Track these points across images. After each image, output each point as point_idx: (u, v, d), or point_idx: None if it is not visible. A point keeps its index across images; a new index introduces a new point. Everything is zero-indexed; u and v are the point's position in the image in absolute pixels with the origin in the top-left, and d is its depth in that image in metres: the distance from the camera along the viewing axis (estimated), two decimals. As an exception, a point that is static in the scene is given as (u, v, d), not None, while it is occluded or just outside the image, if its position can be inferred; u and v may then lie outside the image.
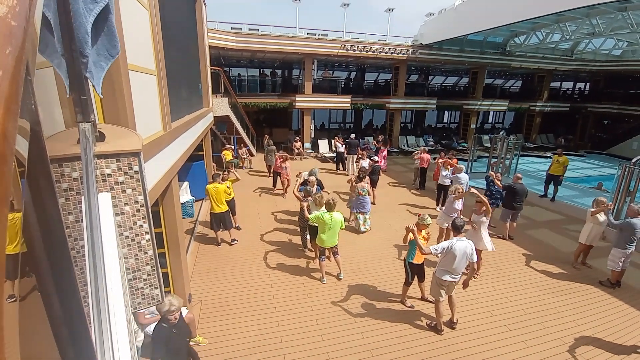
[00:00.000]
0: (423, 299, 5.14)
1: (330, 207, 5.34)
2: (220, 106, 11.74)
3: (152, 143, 3.10)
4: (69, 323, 0.89)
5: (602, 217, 5.99)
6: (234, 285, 5.47)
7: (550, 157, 10.15)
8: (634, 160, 7.62)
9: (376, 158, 10.43)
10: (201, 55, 8.39)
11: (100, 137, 1.69)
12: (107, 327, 1.00)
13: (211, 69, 10.18)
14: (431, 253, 4.24)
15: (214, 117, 10.78)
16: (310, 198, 6.19)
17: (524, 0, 11.61)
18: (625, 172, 7.53)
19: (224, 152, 12.61)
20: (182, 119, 5.17)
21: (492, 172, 7.94)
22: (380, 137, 15.68)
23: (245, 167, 13.74)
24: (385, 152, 14.02)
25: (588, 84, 25.74)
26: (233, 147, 13.76)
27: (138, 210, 1.80)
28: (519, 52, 18.38)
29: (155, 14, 3.43)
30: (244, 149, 13.89)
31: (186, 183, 8.35)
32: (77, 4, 1.20)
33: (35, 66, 0.79)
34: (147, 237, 1.86)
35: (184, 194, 7.95)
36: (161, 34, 3.64)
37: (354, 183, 7.64)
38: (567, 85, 27.18)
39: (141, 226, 1.83)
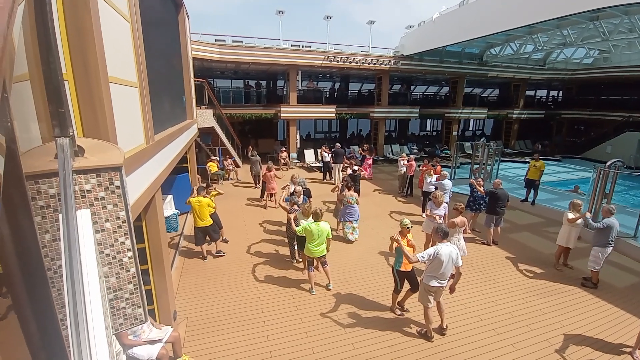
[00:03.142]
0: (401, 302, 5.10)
1: (317, 217, 5.32)
2: (205, 118, 11.64)
3: (134, 156, 3.02)
4: (47, 347, 0.84)
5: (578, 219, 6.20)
6: (221, 300, 5.34)
7: (528, 162, 10.50)
8: (608, 163, 7.95)
9: (356, 168, 10.41)
10: (185, 67, 8.33)
11: (80, 152, 1.63)
12: (87, 350, 0.95)
13: (195, 81, 10.12)
14: (418, 261, 4.27)
15: (199, 128, 10.67)
16: (296, 208, 6.16)
17: (497, 13, 12.18)
18: (601, 175, 7.85)
19: (209, 164, 12.49)
20: (166, 131, 5.08)
21: (472, 180, 8.13)
22: (365, 146, 15.89)
23: (231, 179, 13.59)
24: (370, 161, 14.21)
25: (561, 92, 26.97)
26: (218, 158, 13.62)
27: (120, 227, 1.74)
28: (495, 63, 19.15)
29: (137, 26, 3.39)
30: (229, 160, 13.75)
31: (170, 196, 8.17)
32: None
33: (12, 82, 0.76)
34: (130, 254, 1.79)
35: (168, 208, 7.77)
36: (143, 45, 3.59)
37: (340, 192, 7.65)
38: (542, 93, 28.42)
39: (123, 243, 1.76)
